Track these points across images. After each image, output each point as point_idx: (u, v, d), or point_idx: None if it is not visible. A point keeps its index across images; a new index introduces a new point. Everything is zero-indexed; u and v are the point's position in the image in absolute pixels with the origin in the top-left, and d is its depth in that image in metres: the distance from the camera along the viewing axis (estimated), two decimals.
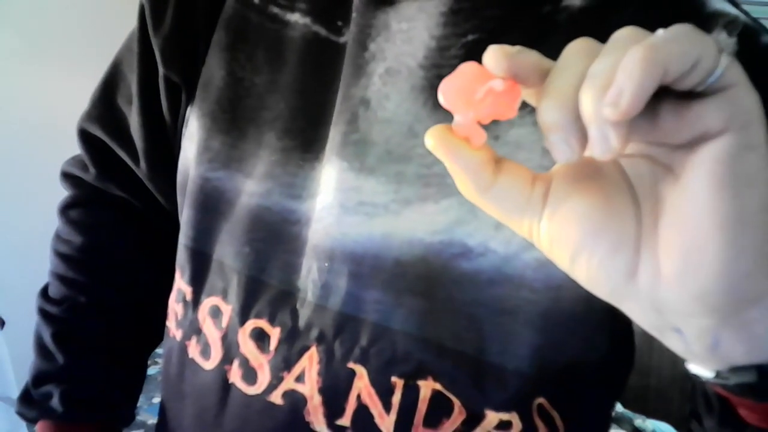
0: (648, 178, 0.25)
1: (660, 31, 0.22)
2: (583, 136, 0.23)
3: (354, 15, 0.47)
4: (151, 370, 1.74)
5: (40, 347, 0.61)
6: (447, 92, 0.26)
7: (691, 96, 0.22)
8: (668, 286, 0.24)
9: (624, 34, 0.23)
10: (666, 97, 0.23)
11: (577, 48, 0.24)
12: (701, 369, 0.27)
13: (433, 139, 0.26)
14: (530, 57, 0.25)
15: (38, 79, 1.50)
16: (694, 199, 0.23)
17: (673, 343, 0.27)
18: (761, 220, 0.23)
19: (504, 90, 0.25)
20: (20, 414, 0.61)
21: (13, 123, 1.51)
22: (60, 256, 0.63)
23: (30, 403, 0.60)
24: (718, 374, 0.26)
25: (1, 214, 1.51)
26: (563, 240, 0.26)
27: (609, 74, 0.21)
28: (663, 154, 0.24)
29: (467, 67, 0.26)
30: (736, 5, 0.42)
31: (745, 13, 0.42)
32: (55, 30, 1.52)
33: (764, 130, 0.23)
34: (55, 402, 0.59)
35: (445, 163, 0.26)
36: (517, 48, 0.25)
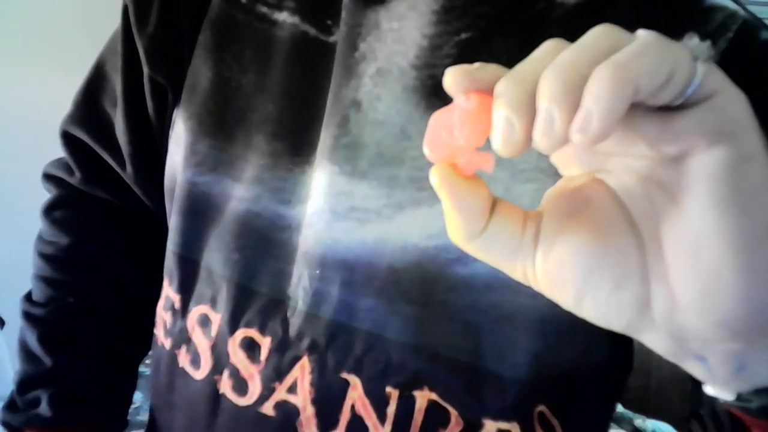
0: (642, 200, 0.24)
1: (628, 45, 0.20)
2: (530, 122, 0.21)
3: (343, 14, 0.45)
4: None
5: (26, 352, 0.59)
6: (430, 145, 0.25)
7: (672, 108, 0.21)
8: (687, 315, 0.22)
9: (598, 31, 0.21)
10: (646, 110, 0.21)
11: (548, 45, 0.22)
12: (722, 392, 0.25)
13: (437, 177, 0.24)
14: (490, 68, 0.23)
15: (38, 78, 1.49)
16: (696, 221, 0.21)
17: (695, 369, 0.25)
18: None
19: (476, 104, 0.23)
20: (4, 424, 0.59)
21: (13, 122, 1.49)
22: (44, 257, 0.61)
23: (16, 410, 0.58)
24: (739, 396, 0.25)
25: (1, 213, 1.50)
26: (563, 282, 0.24)
27: (576, 63, 0.20)
28: (652, 168, 0.23)
29: (434, 116, 0.25)
30: (736, 0, 0.41)
31: (744, 8, 0.41)
32: (54, 29, 1.50)
33: (759, 134, 0.21)
34: (43, 407, 0.57)
35: (444, 203, 0.25)
36: (477, 64, 0.23)
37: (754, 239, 0.21)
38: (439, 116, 0.25)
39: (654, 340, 0.24)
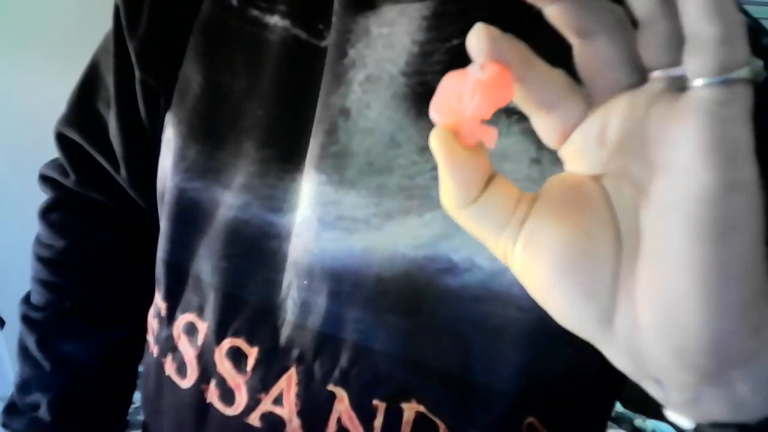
0: (632, 212, 0.23)
1: None
2: None
3: (334, 19, 0.44)
4: None
5: (25, 355, 0.60)
6: (437, 108, 0.24)
7: (681, 114, 0.20)
8: (645, 338, 0.22)
9: None
10: (656, 106, 0.21)
11: None
12: (680, 419, 0.24)
13: (436, 141, 0.24)
14: (518, 46, 0.24)
15: (37, 78, 1.49)
16: (671, 243, 0.21)
17: (653, 391, 0.24)
18: (746, 271, 0.20)
19: (491, 75, 0.23)
20: (5, 426, 0.60)
21: (14, 123, 1.49)
22: (42, 260, 0.61)
23: (16, 413, 0.59)
24: (697, 426, 0.24)
25: (1, 214, 1.50)
26: (535, 275, 0.24)
27: None
28: (647, 180, 0.22)
29: (447, 77, 0.24)
30: (738, 5, 0.40)
31: (746, 13, 0.40)
32: (52, 28, 1.50)
33: (754, 166, 0.20)
34: (42, 411, 0.57)
35: (439, 167, 0.24)
36: (508, 36, 0.23)
37: (722, 273, 0.20)
38: (451, 80, 0.24)
39: (613, 355, 0.24)
